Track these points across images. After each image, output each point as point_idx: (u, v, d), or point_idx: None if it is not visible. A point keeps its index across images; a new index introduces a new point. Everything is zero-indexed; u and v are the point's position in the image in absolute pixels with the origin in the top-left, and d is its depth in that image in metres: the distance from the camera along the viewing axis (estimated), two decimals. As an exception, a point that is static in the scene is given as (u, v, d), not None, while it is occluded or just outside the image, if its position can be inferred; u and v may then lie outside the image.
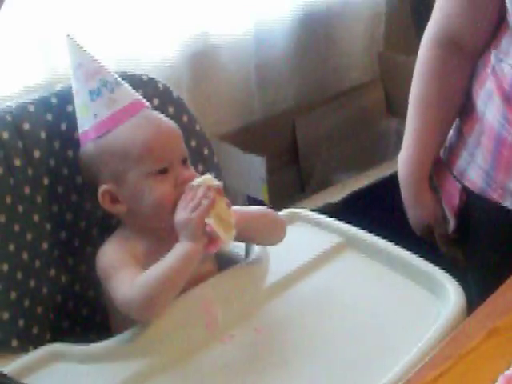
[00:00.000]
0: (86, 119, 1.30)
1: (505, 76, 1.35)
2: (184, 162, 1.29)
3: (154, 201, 1.25)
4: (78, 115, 1.32)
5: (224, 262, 1.34)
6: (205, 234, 1.21)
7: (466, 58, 1.43)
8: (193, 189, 1.23)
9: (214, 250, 1.23)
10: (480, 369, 1.04)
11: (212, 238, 1.22)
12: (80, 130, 1.32)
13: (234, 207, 1.27)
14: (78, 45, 1.34)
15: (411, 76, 1.48)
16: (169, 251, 1.21)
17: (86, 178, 1.34)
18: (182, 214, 1.21)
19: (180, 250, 1.20)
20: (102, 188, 1.28)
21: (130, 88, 1.35)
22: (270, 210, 1.39)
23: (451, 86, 1.45)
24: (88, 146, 1.30)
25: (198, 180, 1.25)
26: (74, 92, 1.33)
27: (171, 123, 1.32)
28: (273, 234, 1.35)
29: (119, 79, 1.33)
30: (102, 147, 1.28)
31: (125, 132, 1.27)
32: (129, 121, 1.28)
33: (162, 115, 1.33)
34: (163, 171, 1.26)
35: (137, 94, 1.35)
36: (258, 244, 1.35)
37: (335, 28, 2.48)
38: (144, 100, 1.34)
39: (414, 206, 1.53)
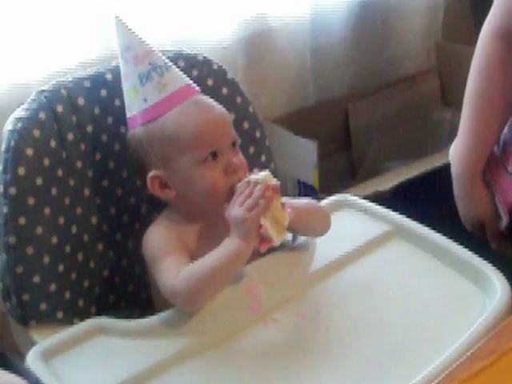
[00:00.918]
0: (135, 103, 1.29)
1: None
2: (233, 145, 1.28)
3: (204, 188, 1.25)
4: (127, 98, 1.31)
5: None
6: (258, 234, 1.20)
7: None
8: (250, 184, 1.21)
9: (264, 249, 1.23)
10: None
11: (263, 238, 1.21)
12: (128, 114, 1.31)
13: (284, 199, 1.25)
14: (126, 26, 1.32)
15: (468, 67, 1.46)
16: (216, 236, 1.22)
17: (134, 160, 1.33)
18: (237, 211, 1.19)
19: (231, 246, 1.19)
20: (152, 173, 1.28)
21: (180, 72, 1.33)
22: (317, 203, 1.38)
23: (508, 80, 1.43)
24: (137, 130, 1.29)
25: (257, 176, 1.22)
26: (122, 75, 1.32)
27: (221, 109, 1.30)
28: (319, 228, 1.34)
29: (169, 63, 1.32)
30: (151, 132, 1.27)
31: (175, 118, 1.26)
32: (179, 106, 1.27)
33: (212, 100, 1.31)
34: (213, 156, 1.25)
35: (187, 78, 1.33)
36: (302, 235, 1.34)
37: (393, 16, 2.45)
38: (194, 85, 1.33)
39: (467, 200, 1.51)
